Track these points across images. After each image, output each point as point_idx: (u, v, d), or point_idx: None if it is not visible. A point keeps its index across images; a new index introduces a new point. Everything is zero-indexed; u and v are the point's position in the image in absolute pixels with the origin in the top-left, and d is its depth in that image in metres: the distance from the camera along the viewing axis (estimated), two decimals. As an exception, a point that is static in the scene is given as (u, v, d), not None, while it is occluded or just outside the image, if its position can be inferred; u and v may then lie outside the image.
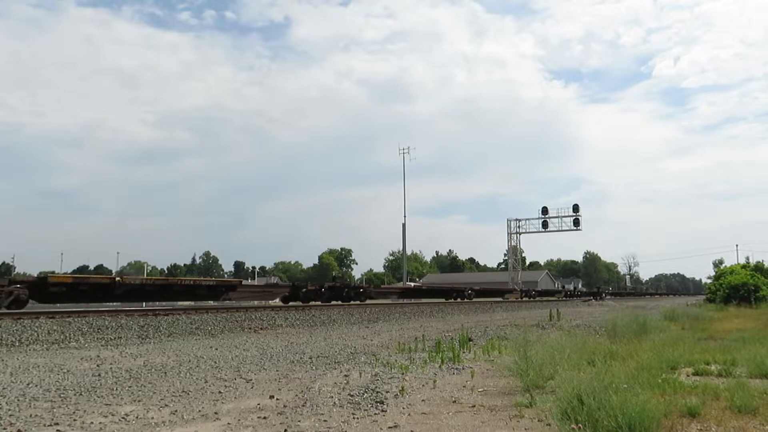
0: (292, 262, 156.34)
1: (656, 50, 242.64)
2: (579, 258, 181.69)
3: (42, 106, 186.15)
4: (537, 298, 50.25)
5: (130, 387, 5.97)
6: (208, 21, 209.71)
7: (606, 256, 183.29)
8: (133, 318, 13.07)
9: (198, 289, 19.93)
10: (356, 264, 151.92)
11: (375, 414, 4.78)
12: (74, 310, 15.51)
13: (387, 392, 5.68)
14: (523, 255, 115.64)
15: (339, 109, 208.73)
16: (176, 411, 4.86)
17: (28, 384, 6.06)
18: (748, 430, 4.20)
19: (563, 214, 64.85)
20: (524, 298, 48.70)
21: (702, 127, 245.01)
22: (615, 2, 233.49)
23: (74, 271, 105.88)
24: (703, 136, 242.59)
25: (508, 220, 69.06)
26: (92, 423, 4.42)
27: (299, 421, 4.53)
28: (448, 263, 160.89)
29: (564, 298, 56.16)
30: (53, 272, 78.71)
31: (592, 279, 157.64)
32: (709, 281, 53.27)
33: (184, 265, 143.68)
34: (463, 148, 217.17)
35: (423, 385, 6.17)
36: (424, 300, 37.15)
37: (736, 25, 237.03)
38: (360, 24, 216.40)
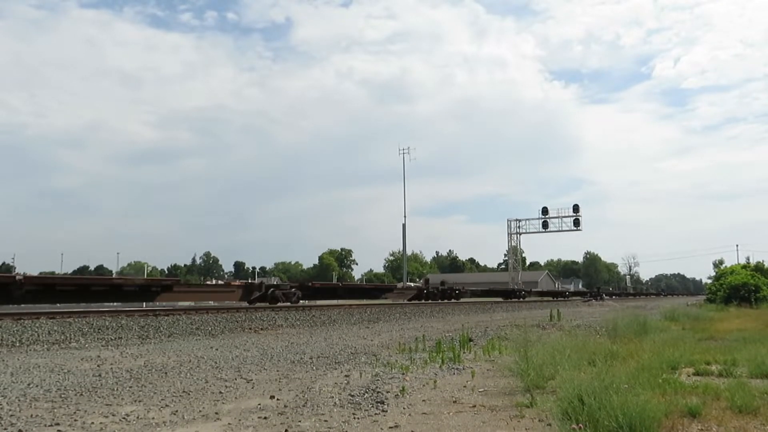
0: (293, 263, 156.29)
1: (656, 51, 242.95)
2: (579, 258, 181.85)
3: (43, 106, 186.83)
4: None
5: (130, 387, 5.97)
6: (209, 22, 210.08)
7: (606, 257, 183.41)
8: (134, 318, 13.08)
9: (124, 289, 17.05)
10: (356, 264, 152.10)
11: (376, 414, 4.77)
12: (75, 310, 15.51)
13: (387, 392, 5.68)
14: (524, 255, 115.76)
15: (340, 109, 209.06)
16: (177, 411, 4.86)
17: (28, 384, 6.06)
18: (749, 430, 4.20)
19: (563, 215, 64.98)
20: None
21: (702, 128, 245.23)
22: (615, 3, 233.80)
23: (74, 272, 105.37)
24: (704, 136, 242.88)
25: (508, 220, 69.20)
26: (93, 423, 4.42)
27: (300, 421, 4.53)
28: (448, 263, 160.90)
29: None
30: (53, 272, 78.68)
31: (593, 279, 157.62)
32: (709, 281, 53.34)
33: (185, 265, 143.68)
34: (463, 148, 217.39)
35: (423, 386, 6.17)
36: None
37: (736, 26, 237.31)
38: (361, 25, 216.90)
